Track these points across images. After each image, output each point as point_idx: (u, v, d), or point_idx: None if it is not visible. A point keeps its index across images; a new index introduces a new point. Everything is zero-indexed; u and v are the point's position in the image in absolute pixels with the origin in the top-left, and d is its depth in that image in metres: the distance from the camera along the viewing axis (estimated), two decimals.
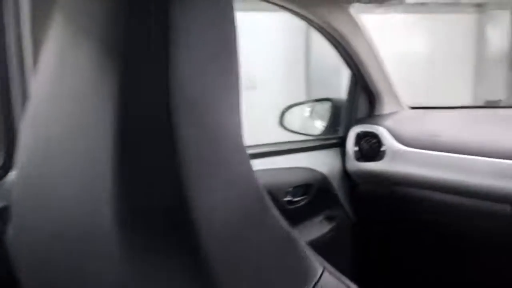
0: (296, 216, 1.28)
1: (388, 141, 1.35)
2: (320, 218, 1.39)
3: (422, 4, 5.28)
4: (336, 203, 1.44)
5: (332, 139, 1.50)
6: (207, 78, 0.36)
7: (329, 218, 1.40)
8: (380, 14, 4.21)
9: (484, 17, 5.96)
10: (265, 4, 1.12)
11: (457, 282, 1.32)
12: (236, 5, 0.41)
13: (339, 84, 4.01)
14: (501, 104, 5.30)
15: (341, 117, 1.54)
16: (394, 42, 4.73)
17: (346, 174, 1.46)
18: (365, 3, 1.20)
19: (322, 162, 1.40)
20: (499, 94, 5.67)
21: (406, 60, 4.94)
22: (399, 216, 1.39)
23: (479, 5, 5.90)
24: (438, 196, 1.23)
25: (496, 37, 6.10)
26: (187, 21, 0.33)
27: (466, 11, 5.91)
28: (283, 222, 0.41)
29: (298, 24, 4.48)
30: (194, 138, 0.34)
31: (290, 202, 1.25)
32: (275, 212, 0.41)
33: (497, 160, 1.09)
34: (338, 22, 1.26)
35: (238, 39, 0.40)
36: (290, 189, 1.25)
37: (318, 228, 1.36)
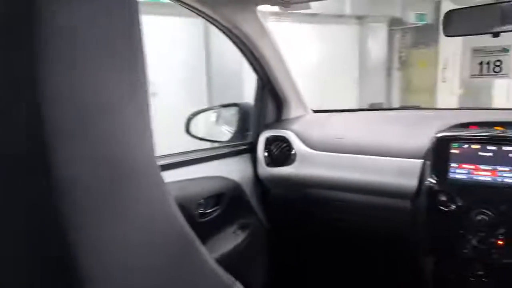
0: (209, 229, 1.21)
1: (297, 145, 1.36)
2: (233, 227, 1.34)
3: (312, 15, 5.66)
4: (250, 211, 1.40)
5: (242, 145, 1.47)
6: (102, 76, 0.28)
7: (243, 227, 1.36)
8: (272, 22, 4.38)
9: (364, 29, 6.67)
10: (166, 8, 1.02)
11: (369, 276, 1.39)
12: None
13: (241, 88, 4.06)
14: (383, 106, 5.96)
15: (249, 122, 1.51)
16: (287, 50, 5.00)
17: (257, 180, 1.43)
18: (272, 5, 1.18)
19: (234, 169, 1.36)
20: (380, 98, 6.44)
21: (298, 67, 5.24)
22: (311, 219, 1.42)
23: (359, 18, 6.57)
24: (346, 196, 1.28)
25: (375, 47, 6.87)
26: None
27: (350, 23, 6.53)
28: (216, 268, 0.34)
29: (198, 28, 4.41)
30: (82, 175, 0.25)
31: (202, 214, 1.17)
32: (204, 254, 0.33)
33: (397, 159, 1.17)
34: (245, 24, 1.22)
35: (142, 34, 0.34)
36: (202, 200, 1.17)
37: (232, 238, 1.31)
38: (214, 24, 1.24)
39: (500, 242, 0.98)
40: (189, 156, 1.22)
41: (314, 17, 5.72)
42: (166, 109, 3.22)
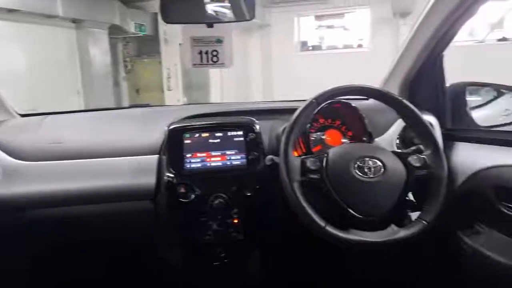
0: None
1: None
2: None
3: (10, 11, 4.75)
4: None
5: None
6: None
7: None
8: None
9: (84, 34, 6.23)
10: None
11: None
12: None
13: None
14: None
15: None
16: None
17: None
18: None
19: None
20: (108, 105, 6.17)
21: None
22: (32, 248, 1.09)
23: (75, 21, 6.08)
24: (78, 210, 1.05)
25: (98, 55, 6.55)
26: None
27: (64, 26, 5.93)
28: None
29: None
30: None
31: None
32: None
33: (132, 158, 1.05)
34: None
35: None
36: None
37: None
38: None
39: (235, 221, 1.04)
40: None
41: (13, 14, 4.81)
42: None
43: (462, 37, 6.44)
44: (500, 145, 0.98)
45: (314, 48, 7.91)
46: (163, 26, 7.69)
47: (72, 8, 5.64)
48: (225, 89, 7.50)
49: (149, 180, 1.04)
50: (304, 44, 7.93)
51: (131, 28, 7.19)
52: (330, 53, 7.65)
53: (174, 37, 7.51)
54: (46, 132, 1.13)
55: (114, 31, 7.04)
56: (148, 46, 8.05)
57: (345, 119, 1.13)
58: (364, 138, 1.08)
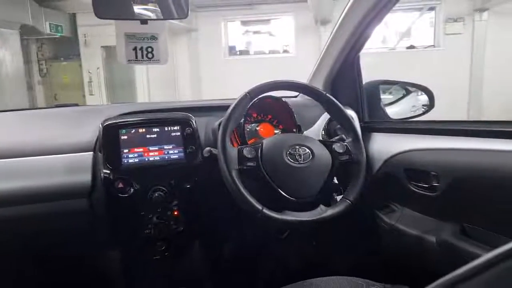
0: None
1: None
2: None
3: None
4: None
5: None
6: None
7: None
8: None
9: None
10: None
11: None
12: None
13: None
14: None
15: None
16: None
17: None
18: None
19: None
20: None
21: None
22: None
23: None
24: (8, 211, 0.98)
25: (9, 57, 5.99)
26: None
27: None
28: None
29: None
30: None
31: None
32: None
33: (65, 155, 1.01)
34: None
35: None
36: None
37: None
38: None
39: (176, 213, 1.06)
40: None
41: None
42: None
43: (377, 44, 7.16)
44: (410, 133, 1.12)
45: (242, 52, 8.07)
46: (82, 28, 7.28)
47: None
48: (152, 92, 7.31)
49: (84, 177, 1.01)
50: (232, 49, 8.05)
51: (46, 29, 6.67)
52: (257, 58, 7.86)
53: (95, 39, 7.14)
54: None
55: (26, 31, 6.48)
56: (66, 48, 7.55)
57: (276, 114, 1.21)
58: (294, 130, 1.17)
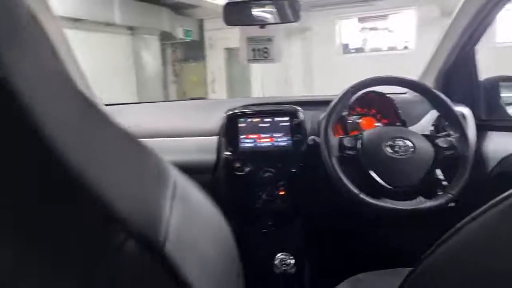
0: None
1: None
2: None
3: (76, 20, 5.24)
4: None
5: None
6: None
7: None
8: None
9: (137, 40, 6.70)
10: None
11: None
12: None
13: None
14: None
15: None
16: None
17: None
18: None
19: None
20: None
21: None
22: None
23: (131, 28, 6.55)
24: None
25: (150, 60, 6.98)
26: None
27: (121, 33, 6.41)
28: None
29: None
30: None
31: None
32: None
33: (197, 138, 1.25)
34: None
35: None
36: None
37: None
38: None
39: (282, 192, 1.20)
40: None
41: (78, 23, 5.31)
42: None
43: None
44: None
45: (357, 50, 7.91)
46: (208, 32, 8.05)
47: (127, 16, 6.10)
48: (265, 89, 7.68)
49: (210, 157, 1.23)
50: (346, 47, 7.95)
51: (179, 34, 7.59)
52: (373, 55, 7.62)
53: (219, 42, 7.83)
54: (126, 119, 1.36)
55: (164, 36, 7.47)
56: (193, 51, 8.44)
57: (381, 108, 1.25)
58: (398, 124, 1.20)
